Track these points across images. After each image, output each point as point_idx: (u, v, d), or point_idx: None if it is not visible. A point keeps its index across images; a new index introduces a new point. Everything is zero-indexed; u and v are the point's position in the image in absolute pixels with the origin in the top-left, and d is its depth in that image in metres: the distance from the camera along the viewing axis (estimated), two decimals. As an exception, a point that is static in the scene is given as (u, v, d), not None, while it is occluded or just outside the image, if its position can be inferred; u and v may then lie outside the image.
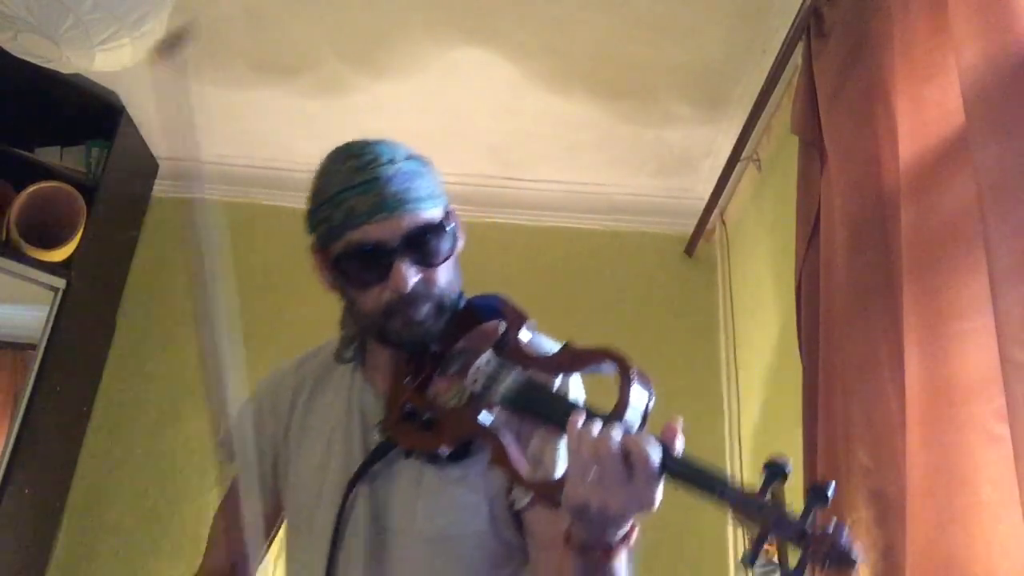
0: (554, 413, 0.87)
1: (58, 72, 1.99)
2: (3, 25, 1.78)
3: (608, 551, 0.83)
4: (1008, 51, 1.11)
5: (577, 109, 2.61)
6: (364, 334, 1.10)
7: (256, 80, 2.58)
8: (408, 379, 1.02)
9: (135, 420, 2.68)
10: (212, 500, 2.58)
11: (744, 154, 2.49)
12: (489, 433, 0.93)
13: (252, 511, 1.13)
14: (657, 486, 0.79)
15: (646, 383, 0.85)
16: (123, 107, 2.69)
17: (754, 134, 2.42)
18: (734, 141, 2.47)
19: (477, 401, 0.95)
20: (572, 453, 0.80)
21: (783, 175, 2.19)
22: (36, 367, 2.38)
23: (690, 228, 2.87)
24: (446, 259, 1.02)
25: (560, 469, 0.95)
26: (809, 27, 1.90)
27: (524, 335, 1.00)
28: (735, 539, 2.45)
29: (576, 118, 2.65)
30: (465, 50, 2.41)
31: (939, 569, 1.12)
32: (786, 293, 1.96)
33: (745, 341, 2.61)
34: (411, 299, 0.98)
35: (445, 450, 0.95)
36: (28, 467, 2.32)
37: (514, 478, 0.90)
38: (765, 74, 2.21)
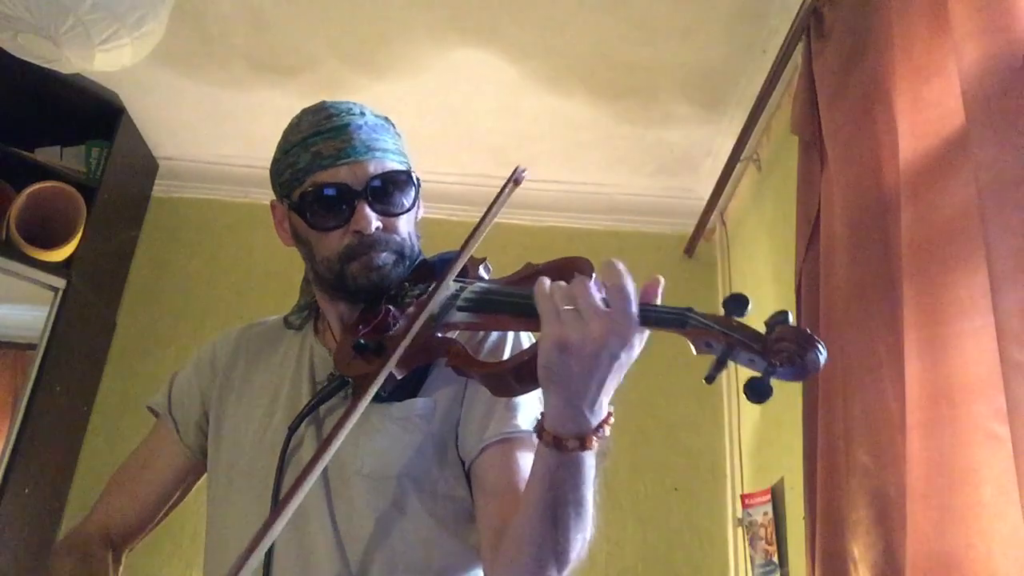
0: (521, 299, 0.83)
1: (58, 72, 1.99)
2: (3, 25, 1.78)
3: (583, 439, 0.78)
4: (1008, 51, 1.11)
5: (577, 109, 2.61)
6: (321, 285, 1.07)
7: (256, 80, 2.58)
8: (361, 326, 0.98)
9: (135, 420, 2.67)
10: (212, 500, 2.58)
11: (744, 154, 2.49)
12: (446, 342, 0.90)
13: (166, 464, 1.15)
14: (634, 320, 0.73)
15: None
16: (123, 107, 2.70)
17: (754, 134, 2.42)
18: (734, 141, 2.47)
19: (435, 321, 0.91)
20: (545, 300, 0.76)
21: (783, 175, 2.19)
22: (36, 367, 2.38)
23: (690, 228, 2.88)
24: (407, 211, 1.04)
25: None
26: (809, 27, 1.90)
27: (482, 273, 1.01)
28: (735, 539, 2.45)
29: (576, 118, 2.66)
30: (465, 51, 2.41)
31: (939, 569, 1.12)
32: (786, 293, 1.96)
33: (745, 341, 2.60)
34: (371, 243, 1.00)
35: (393, 377, 0.90)
36: (28, 467, 2.31)
37: (476, 365, 0.87)
38: (765, 74, 2.22)
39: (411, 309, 0.96)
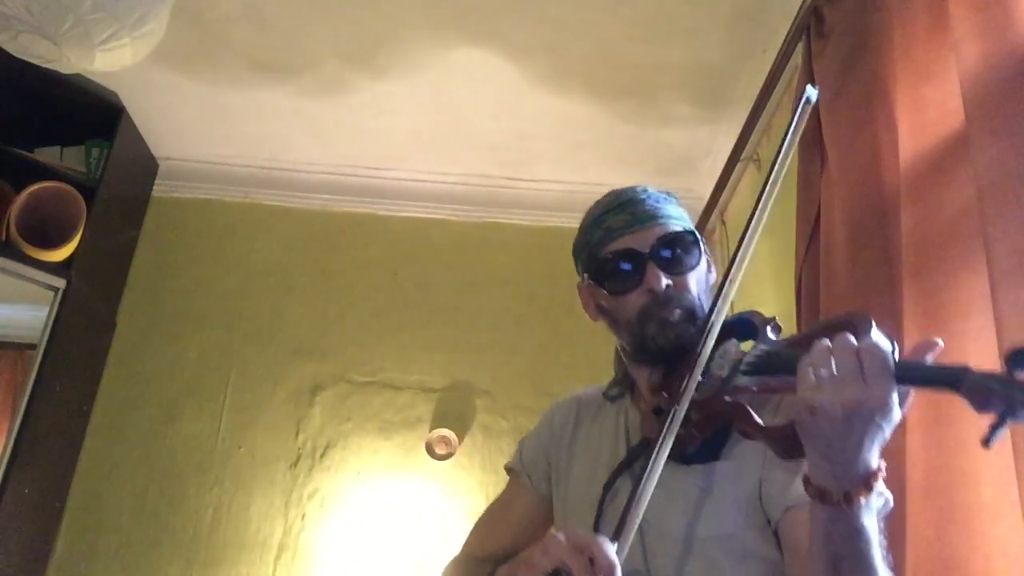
0: (796, 361, 0.83)
1: (58, 72, 1.99)
2: (3, 25, 1.78)
3: (848, 496, 0.79)
4: (1008, 51, 1.11)
5: (577, 109, 2.61)
6: (627, 354, 1.17)
7: (256, 80, 2.58)
8: (663, 390, 1.04)
9: (135, 420, 2.68)
10: (212, 500, 2.58)
11: (744, 154, 2.49)
12: (734, 406, 0.92)
13: (523, 508, 1.28)
14: (890, 382, 0.75)
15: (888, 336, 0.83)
16: (123, 107, 2.69)
17: (754, 134, 2.42)
18: (734, 141, 2.47)
19: (723, 384, 0.95)
20: (806, 360, 0.80)
21: (783, 175, 2.18)
22: (36, 367, 2.38)
23: (690, 228, 2.87)
24: (694, 268, 1.13)
25: None
26: (809, 27, 1.90)
27: (770, 334, 1.03)
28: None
29: (576, 118, 2.65)
30: (465, 50, 2.41)
31: (939, 569, 1.12)
32: (786, 293, 1.96)
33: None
34: (664, 301, 1.09)
35: (694, 440, 0.96)
36: (28, 467, 2.31)
37: (759, 429, 0.89)
38: (765, 74, 2.21)
39: (700, 374, 0.99)
